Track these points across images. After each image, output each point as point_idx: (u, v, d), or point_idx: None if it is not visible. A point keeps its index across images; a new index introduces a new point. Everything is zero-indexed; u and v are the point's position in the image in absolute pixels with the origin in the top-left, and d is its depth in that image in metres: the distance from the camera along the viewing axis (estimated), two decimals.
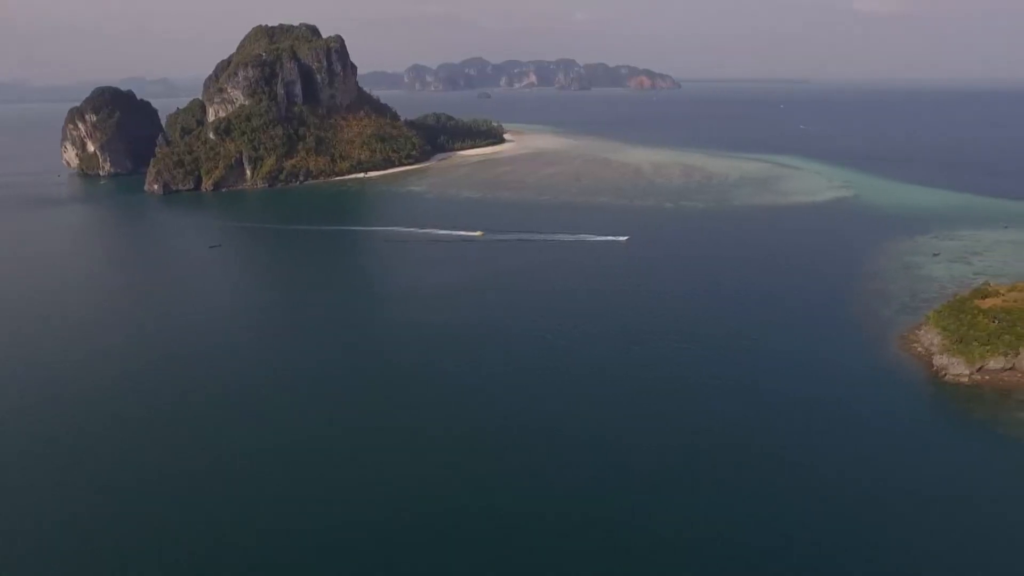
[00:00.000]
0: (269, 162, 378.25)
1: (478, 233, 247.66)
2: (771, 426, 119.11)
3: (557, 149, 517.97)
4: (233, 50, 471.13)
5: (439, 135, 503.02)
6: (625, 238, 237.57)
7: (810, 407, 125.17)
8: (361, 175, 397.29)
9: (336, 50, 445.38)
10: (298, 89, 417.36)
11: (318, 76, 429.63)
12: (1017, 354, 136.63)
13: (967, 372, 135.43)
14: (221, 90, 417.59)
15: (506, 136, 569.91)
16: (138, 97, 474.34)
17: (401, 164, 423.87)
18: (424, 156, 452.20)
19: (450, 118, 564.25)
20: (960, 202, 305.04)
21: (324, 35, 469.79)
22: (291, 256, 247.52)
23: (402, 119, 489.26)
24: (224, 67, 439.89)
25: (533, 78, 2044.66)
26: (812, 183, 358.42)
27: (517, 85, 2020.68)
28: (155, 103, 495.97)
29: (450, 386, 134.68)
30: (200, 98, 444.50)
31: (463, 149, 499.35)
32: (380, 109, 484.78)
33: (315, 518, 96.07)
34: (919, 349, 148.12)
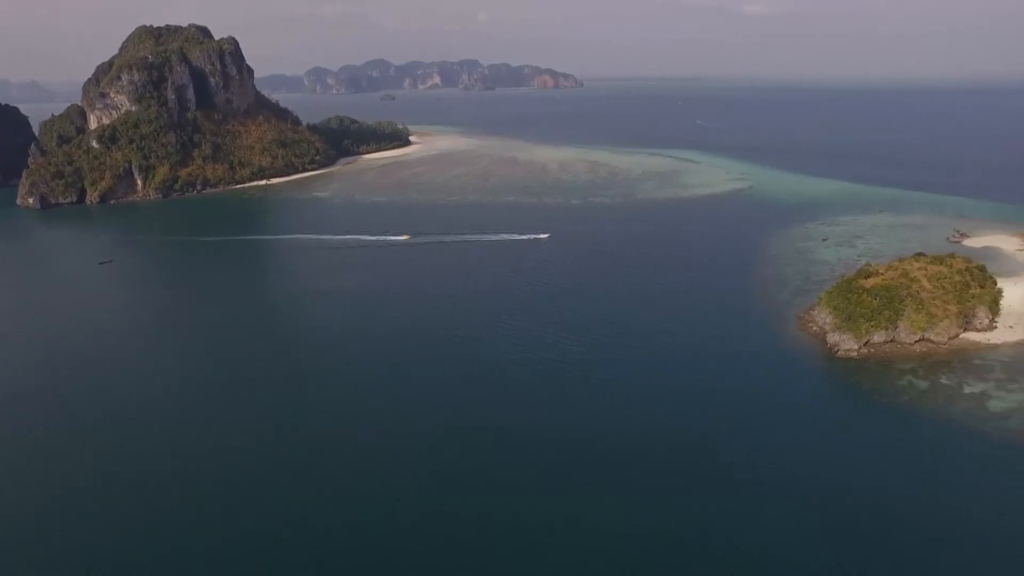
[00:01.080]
0: (162, 171, 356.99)
1: (405, 237, 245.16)
2: (686, 406, 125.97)
3: (464, 150, 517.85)
4: (115, 52, 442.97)
5: (343, 139, 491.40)
6: (546, 235, 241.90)
7: (720, 386, 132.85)
8: (263, 182, 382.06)
9: (230, 52, 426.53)
10: (190, 93, 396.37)
11: (212, 80, 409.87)
12: (896, 327, 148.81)
13: (856, 347, 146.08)
14: (103, 95, 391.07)
15: (412, 138, 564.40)
16: (2, 102, 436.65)
17: (305, 170, 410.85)
18: (329, 161, 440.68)
19: (354, 121, 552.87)
20: (843, 190, 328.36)
21: (216, 36, 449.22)
22: (194, 269, 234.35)
23: (304, 123, 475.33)
24: (105, 70, 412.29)
25: (437, 79, 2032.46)
26: (711, 176, 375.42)
27: (421, 86, 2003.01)
28: (24, 109, 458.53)
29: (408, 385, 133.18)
30: (79, 104, 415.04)
31: (369, 152, 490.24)
32: (281, 113, 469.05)
33: (218, 524, 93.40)
34: (814, 328, 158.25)
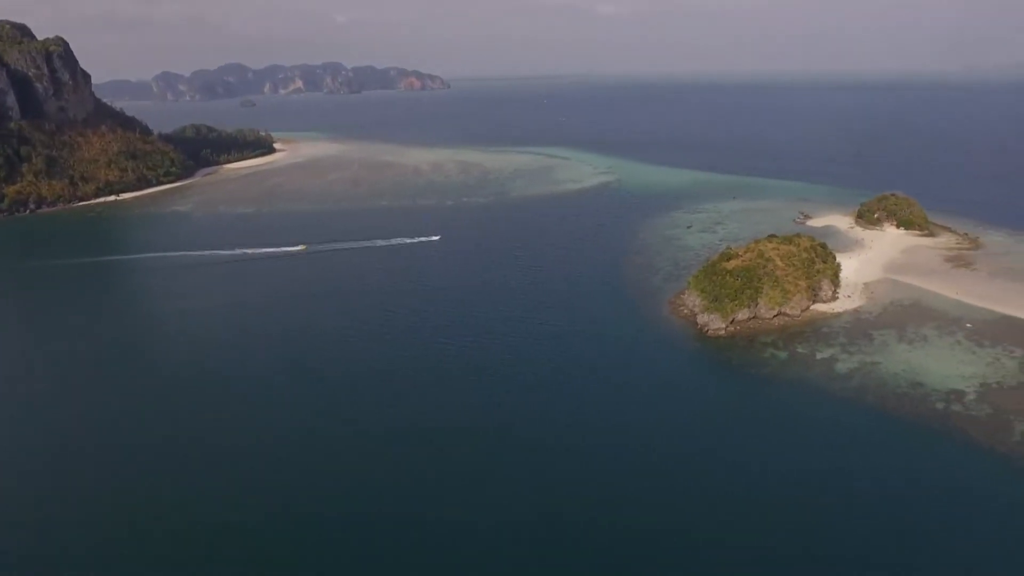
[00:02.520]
0: None
1: (301, 247, 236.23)
2: (570, 388, 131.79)
3: (333, 155, 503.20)
4: None
5: (201, 148, 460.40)
6: (438, 237, 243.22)
7: (601, 368, 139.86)
8: (111, 198, 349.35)
9: (59, 55, 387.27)
10: (11, 100, 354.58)
11: (38, 85, 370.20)
12: (757, 304, 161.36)
13: (723, 326, 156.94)
14: None
15: (277, 145, 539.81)
16: None
17: (160, 183, 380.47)
18: (187, 172, 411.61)
19: (212, 129, 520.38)
20: (702, 179, 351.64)
21: (38, 36, 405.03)
22: (37, 297, 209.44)
23: (156, 133, 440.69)
24: None
25: (300, 83, 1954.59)
26: (580, 171, 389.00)
27: (283, 91, 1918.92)
28: None
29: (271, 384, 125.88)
30: None
31: (231, 162, 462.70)
32: (127, 122, 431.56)
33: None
34: (685, 311, 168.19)
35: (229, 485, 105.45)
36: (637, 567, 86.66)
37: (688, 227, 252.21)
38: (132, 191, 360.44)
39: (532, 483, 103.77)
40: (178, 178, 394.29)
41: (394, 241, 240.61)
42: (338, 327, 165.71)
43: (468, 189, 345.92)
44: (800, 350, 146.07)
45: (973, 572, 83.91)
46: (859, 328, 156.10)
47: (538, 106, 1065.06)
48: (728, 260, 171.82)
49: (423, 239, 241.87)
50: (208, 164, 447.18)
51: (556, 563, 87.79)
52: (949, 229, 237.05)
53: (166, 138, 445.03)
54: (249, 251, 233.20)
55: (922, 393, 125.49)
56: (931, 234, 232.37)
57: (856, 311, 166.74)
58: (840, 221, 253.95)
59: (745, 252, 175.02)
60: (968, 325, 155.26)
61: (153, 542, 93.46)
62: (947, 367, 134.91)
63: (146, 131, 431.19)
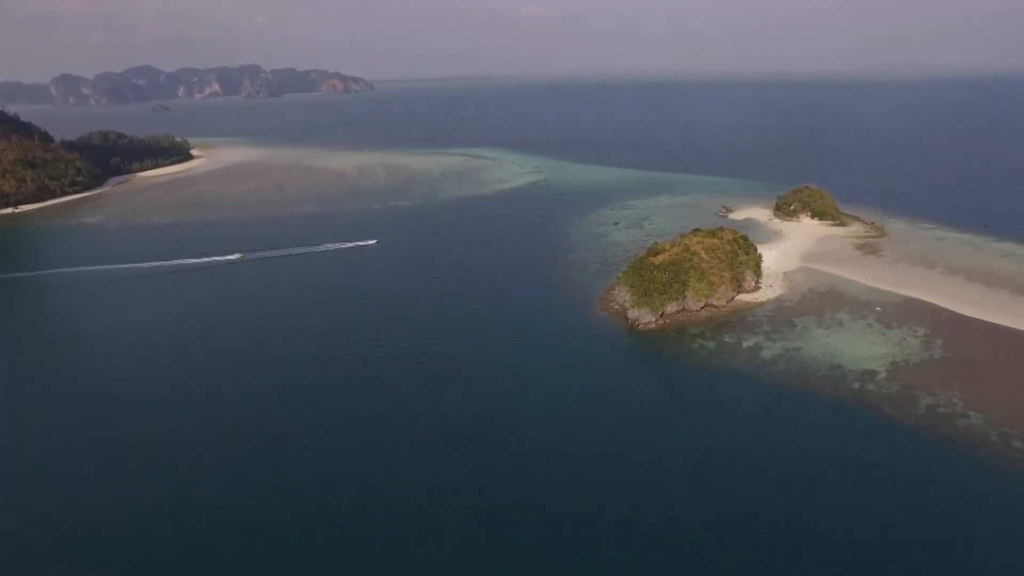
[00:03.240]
0: None
1: (237, 256, 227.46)
2: (506, 386, 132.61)
3: (254, 161, 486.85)
4: None
5: (111, 156, 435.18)
6: (374, 241, 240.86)
7: (537, 365, 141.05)
8: (8, 211, 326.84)
9: None
10: None
11: None
12: (685, 297, 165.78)
13: (653, 319, 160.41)
14: None
15: (194, 152, 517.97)
16: None
17: (65, 193, 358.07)
18: (95, 182, 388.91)
19: (122, 136, 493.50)
20: (627, 176, 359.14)
21: None
22: None
23: (57, 140, 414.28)
24: None
25: (216, 87, 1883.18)
26: (507, 171, 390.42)
27: (199, 95, 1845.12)
28: None
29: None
30: None
31: (145, 170, 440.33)
32: (23, 128, 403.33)
33: None
34: (616, 306, 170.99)
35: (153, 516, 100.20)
36: (573, 546, 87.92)
37: (616, 224, 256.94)
38: (32, 203, 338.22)
39: (470, 471, 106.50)
40: (85, 188, 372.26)
41: (331, 246, 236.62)
42: (293, 332, 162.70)
43: (396, 192, 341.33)
44: (727, 339, 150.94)
45: (883, 534, 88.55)
46: (781, 316, 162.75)
47: (465, 107, 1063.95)
48: (655, 255, 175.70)
49: (360, 243, 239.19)
50: (119, 173, 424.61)
51: (498, 544, 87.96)
52: (858, 219, 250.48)
53: (70, 145, 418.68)
54: (177, 262, 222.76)
55: (840, 375, 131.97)
56: (842, 224, 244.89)
57: (778, 299, 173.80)
58: (760, 213, 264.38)
59: (671, 247, 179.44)
60: (878, 308, 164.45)
61: None
62: (861, 349, 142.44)
63: (46, 138, 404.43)
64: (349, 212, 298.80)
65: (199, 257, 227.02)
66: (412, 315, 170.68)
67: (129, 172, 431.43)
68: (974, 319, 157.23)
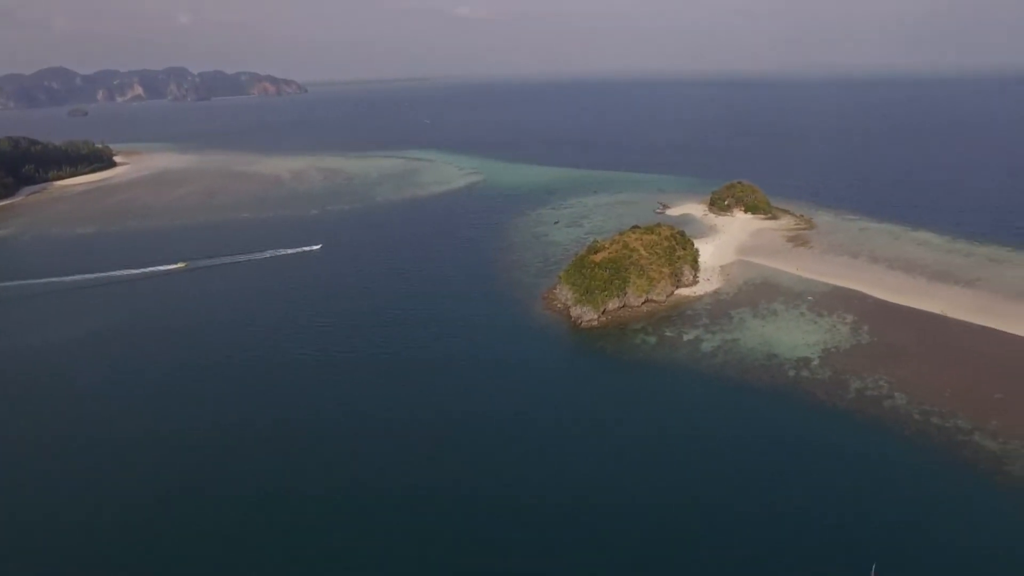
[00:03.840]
0: None
1: (181, 265, 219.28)
2: (455, 385, 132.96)
3: (184, 168, 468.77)
4: None
5: (23, 164, 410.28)
6: (319, 246, 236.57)
7: (482, 366, 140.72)
8: None
9: None
10: None
11: None
12: (625, 294, 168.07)
13: (595, 316, 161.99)
14: None
15: (118, 159, 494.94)
16: None
17: None
18: (5, 192, 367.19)
19: (35, 142, 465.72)
20: (565, 175, 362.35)
21: None
22: None
23: None
24: None
25: (139, 89, 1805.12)
26: (446, 173, 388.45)
27: (120, 99, 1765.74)
28: None
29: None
30: None
31: (62, 178, 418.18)
32: None
33: None
34: (558, 305, 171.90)
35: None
36: (522, 533, 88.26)
37: (555, 223, 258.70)
38: None
39: (419, 466, 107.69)
40: None
41: (276, 252, 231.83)
42: (253, 338, 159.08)
43: (334, 196, 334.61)
44: (668, 333, 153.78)
45: (822, 511, 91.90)
46: (719, 308, 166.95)
47: (400, 109, 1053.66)
48: (595, 253, 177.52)
49: (305, 248, 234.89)
50: (33, 182, 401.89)
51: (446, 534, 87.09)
52: (788, 212, 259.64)
53: None
54: (109, 274, 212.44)
55: (776, 363, 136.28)
56: (774, 217, 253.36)
57: (715, 293, 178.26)
58: (695, 209, 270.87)
59: (611, 244, 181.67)
60: (809, 298, 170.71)
61: None
62: (795, 337, 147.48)
63: None
64: (288, 218, 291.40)
65: (137, 268, 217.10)
66: (359, 319, 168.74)
67: (45, 181, 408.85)
68: (896, 305, 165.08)
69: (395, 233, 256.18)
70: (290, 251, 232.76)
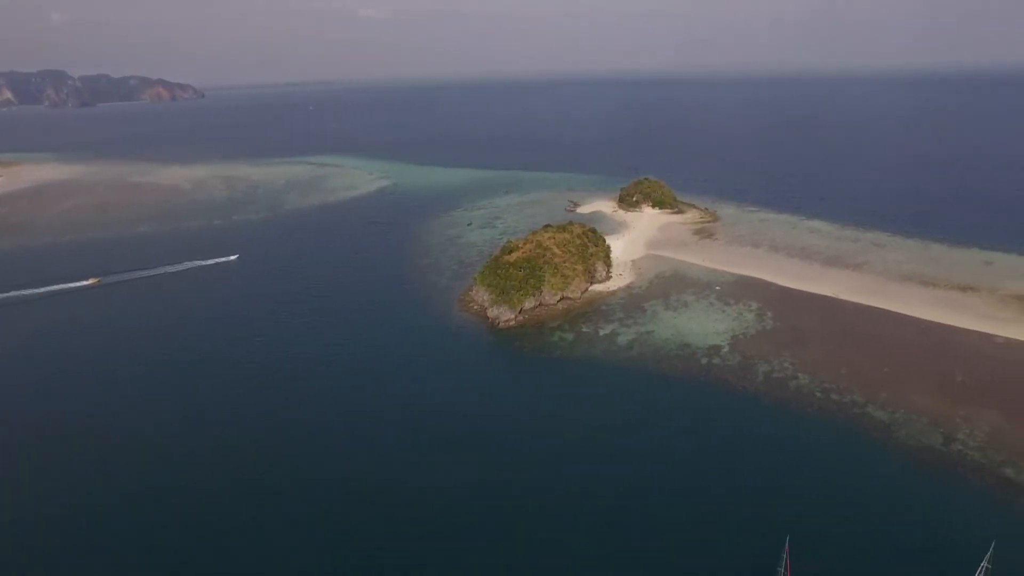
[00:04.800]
0: None
1: (93, 280, 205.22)
2: (379, 388, 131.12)
3: (69, 179, 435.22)
4: None
5: None
6: (235, 257, 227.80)
7: (405, 369, 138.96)
8: None
9: None
10: None
11: None
12: (541, 292, 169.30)
13: (513, 316, 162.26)
14: None
15: None
16: None
17: None
18: None
19: None
20: (475, 176, 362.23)
21: None
22: None
23: None
24: None
25: (9, 94, 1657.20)
26: (355, 178, 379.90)
27: None
28: None
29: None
30: None
31: None
32: None
33: None
34: (475, 306, 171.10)
35: None
36: (446, 523, 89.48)
37: (468, 225, 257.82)
38: None
39: (347, 467, 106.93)
40: None
41: (191, 264, 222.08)
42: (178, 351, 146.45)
43: (239, 206, 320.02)
44: (584, 329, 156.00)
45: (736, 487, 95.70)
46: (632, 302, 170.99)
47: (306, 113, 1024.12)
48: (510, 253, 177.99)
49: (221, 260, 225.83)
50: None
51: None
52: (694, 206, 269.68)
53: None
54: (15, 294, 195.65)
55: (689, 352, 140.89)
56: (680, 211, 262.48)
57: (628, 287, 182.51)
58: (605, 206, 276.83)
59: (525, 244, 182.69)
60: (717, 288, 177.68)
61: None
62: (705, 326, 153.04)
63: None
64: (193, 230, 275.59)
65: (41, 287, 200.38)
66: (276, 327, 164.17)
67: None
68: (795, 290, 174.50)
69: (306, 241, 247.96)
70: (207, 262, 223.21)
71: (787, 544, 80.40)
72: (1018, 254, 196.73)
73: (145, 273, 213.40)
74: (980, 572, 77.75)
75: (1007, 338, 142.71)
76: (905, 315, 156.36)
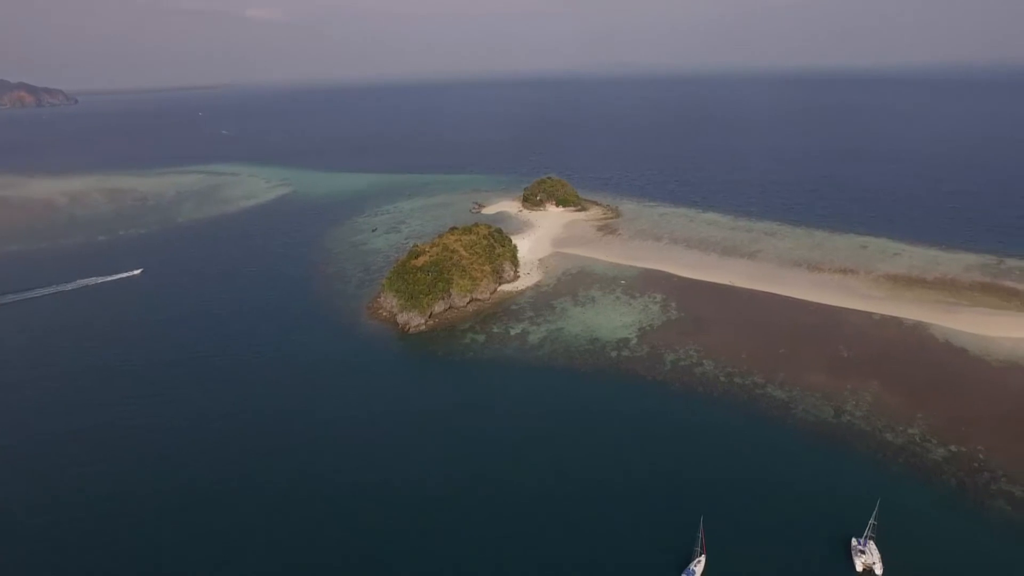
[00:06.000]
0: None
1: None
2: (290, 400, 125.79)
3: None
4: None
5: None
6: (139, 271, 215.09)
7: (315, 381, 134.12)
8: None
9: None
10: None
11: None
12: (450, 295, 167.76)
13: (423, 321, 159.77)
14: None
15: None
16: None
17: None
18: None
19: None
20: (377, 181, 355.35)
21: None
22: None
23: None
24: None
25: None
26: (253, 186, 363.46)
27: None
28: None
29: None
30: None
31: None
32: None
33: None
34: (384, 313, 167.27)
35: None
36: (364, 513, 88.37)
37: (373, 230, 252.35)
38: None
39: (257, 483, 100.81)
40: None
41: (91, 281, 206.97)
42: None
43: (126, 220, 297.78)
44: (496, 330, 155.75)
45: (648, 472, 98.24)
46: (541, 300, 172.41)
47: (195, 119, 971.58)
48: (417, 257, 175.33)
49: (124, 275, 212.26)
50: None
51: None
52: (596, 203, 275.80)
53: None
54: None
55: (599, 346, 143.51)
56: (584, 209, 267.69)
57: (536, 285, 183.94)
58: (510, 206, 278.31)
59: (431, 247, 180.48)
60: (622, 282, 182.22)
61: None
62: (613, 320, 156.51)
63: None
64: (73, 247, 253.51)
65: None
66: (180, 349, 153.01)
67: None
68: (696, 280, 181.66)
69: (204, 254, 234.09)
70: (108, 278, 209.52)
71: (701, 523, 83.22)
72: (888, 238, 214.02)
73: (32, 294, 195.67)
74: (868, 529, 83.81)
75: (883, 315, 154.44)
76: (796, 298, 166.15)
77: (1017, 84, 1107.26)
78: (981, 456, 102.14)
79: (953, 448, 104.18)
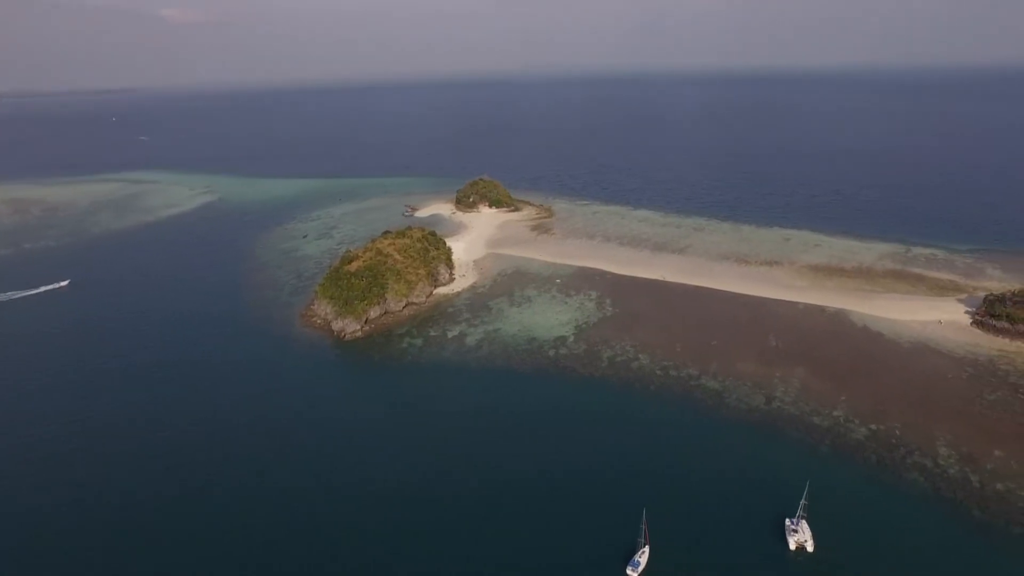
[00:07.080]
0: None
1: None
2: (221, 407, 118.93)
3: None
4: None
5: None
6: (66, 283, 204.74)
7: (250, 394, 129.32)
8: None
9: None
10: None
11: None
12: (385, 300, 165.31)
13: (359, 327, 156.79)
14: None
15: None
16: None
17: None
18: None
19: None
20: (306, 186, 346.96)
21: None
22: None
23: None
24: None
25: None
26: (175, 194, 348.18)
27: None
28: None
29: None
30: None
31: None
32: None
33: None
34: (318, 320, 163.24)
35: None
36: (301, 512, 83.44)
37: (304, 236, 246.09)
38: None
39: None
40: None
41: (16, 294, 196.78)
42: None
43: (31, 232, 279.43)
44: (433, 333, 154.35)
45: (589, 467, 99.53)
46: (478, 302, 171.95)
47: (109, 125, 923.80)
48: (350, 263, 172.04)
49: (50, 287, 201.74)
50: None
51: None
52: (529, 203, 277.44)
53: None
54: None
55: (537, 345, 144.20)
56: (517, 209, 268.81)
57: (472, 287, 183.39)
58: (443, 208, 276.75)
59: (364, 252, 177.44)
60: (558, 281, 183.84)
61: None
62: (550, 319, 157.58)
63: None
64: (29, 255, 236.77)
65: None
66: (102, 367, 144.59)
67: None
68: (630, 276, 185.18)
69: (129, 265, 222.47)
70: (37, 291, 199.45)
71: (644, 514, 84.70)
72: (808, 230, 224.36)
73: None
74: (800, 509, 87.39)
75: (806, 304, 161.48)
76: (726, 291, 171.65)
77: (947, 85, 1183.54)
78: (897, 432, 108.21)
79: (873, 427, 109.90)
